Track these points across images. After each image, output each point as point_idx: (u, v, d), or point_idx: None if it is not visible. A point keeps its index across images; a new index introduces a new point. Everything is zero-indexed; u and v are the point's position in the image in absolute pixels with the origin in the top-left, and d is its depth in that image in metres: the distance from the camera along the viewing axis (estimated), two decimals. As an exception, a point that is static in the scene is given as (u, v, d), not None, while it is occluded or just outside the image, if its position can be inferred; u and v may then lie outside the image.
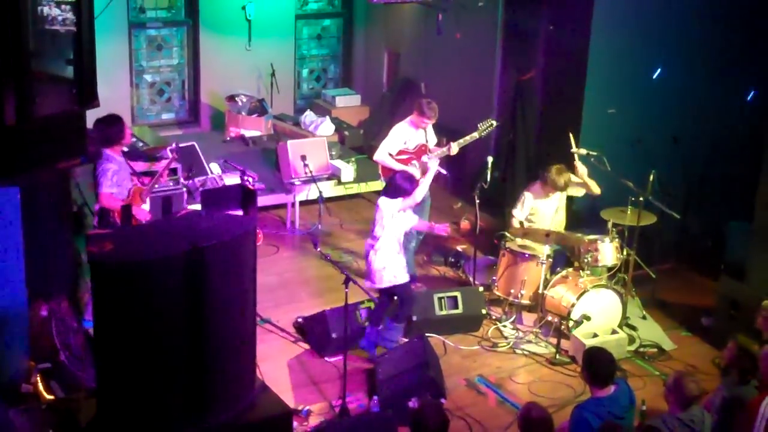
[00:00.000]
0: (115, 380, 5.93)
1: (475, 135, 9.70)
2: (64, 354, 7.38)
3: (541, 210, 9.70)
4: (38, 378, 7.02)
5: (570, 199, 9.95)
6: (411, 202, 8.43)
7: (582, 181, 9.63)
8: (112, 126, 8.43)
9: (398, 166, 9.62)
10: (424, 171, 9.58)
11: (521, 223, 9.76)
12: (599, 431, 6.23)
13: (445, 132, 9.81)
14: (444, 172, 10.09)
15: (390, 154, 9.71)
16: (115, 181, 8.36)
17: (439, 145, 9.86)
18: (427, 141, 9.76)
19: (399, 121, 9.93)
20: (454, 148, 9.68)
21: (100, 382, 6.04)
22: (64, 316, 7.62)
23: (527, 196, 9.76)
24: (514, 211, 9.85)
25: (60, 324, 7.52)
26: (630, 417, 6.72)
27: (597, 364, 6.79)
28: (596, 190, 9.67)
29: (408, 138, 9.72)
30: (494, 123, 9.69)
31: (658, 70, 10.30)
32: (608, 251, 9.24)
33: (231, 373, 6.29)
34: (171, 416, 6.03)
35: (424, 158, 9.69)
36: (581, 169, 9.59)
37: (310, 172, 11.28)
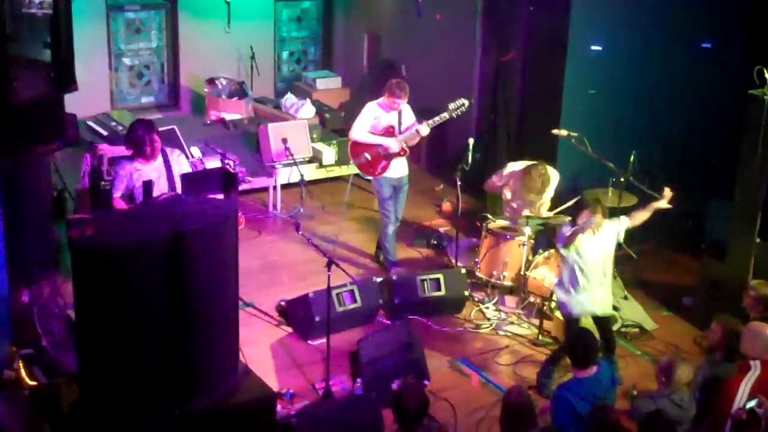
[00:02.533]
0: (97, 365, 5.90)
1: (446, 115, 9.53)
2: (46, 339, 7.35)
3: (524, 209, 9.69)
4: (20, 364, 6.98)
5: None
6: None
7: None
8: (135, 135, 8.41)
9: (376, 141, 9.58)
10: (397, 153, 9.61)
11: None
12: (592, 413, 6.23)
13: (426, 114, 9.77)
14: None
15: (365, 131, 9.66)
16: (124, 186, 8.37)
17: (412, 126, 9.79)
18: (400, 123, 9.67)
19: (369, 102, 9.86)
20: (424, 128, 9.53)
21: (82, 367, 6.01)
22: (45, 302, 7.58)
23: (513, 168, 9.73)
24: (494, 177, 9.86)
25: (42, 309, 7.48)
26: (611, 398, 6.76)
27: (579, 346, 6.84)
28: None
29: (378, 118, 9.67)
30: (466, 103, 9.56)
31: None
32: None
33: (214, 357, 6.26)
34: (154, 400, 6.01)
35: (395, 138, 9.62)
36: None
37: (291, 154, 11.25)
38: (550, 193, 9.63)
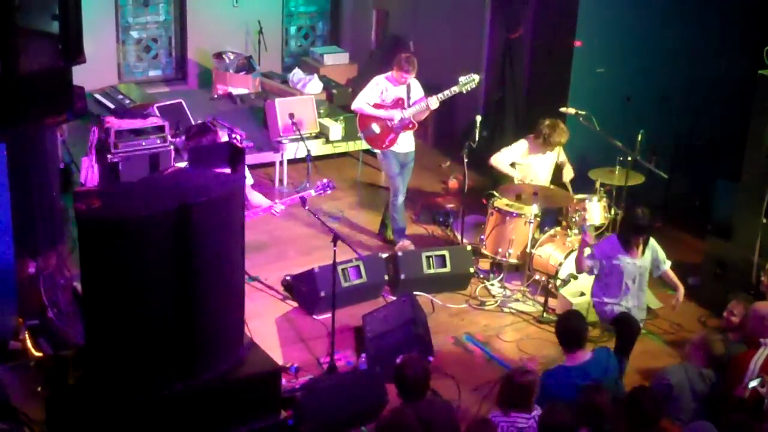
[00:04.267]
0: (103, 337, 5.92)
1: (455, 89, 9.53)
2: (52, 311, 7.36)
3: (533, 166, 9.65)
4: (26, 335, 7.02)
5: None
6: None
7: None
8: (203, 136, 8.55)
9: (376, 113, 9.58)
10: (405, 125, 9.58)
11: (512, 164, 9.72)
12: (583, 391, 6.21)
13: (434, 89, 9.74)
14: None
15: (368, 104, 9.66)
16: None
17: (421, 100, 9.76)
18: (409, 97, 9.66)
19: (377, 75, 9.86)
20: (433, 101, 9.54)
21: (89, 339, 6.02)
22: (52, 273, 7.59)
23: (522, 145, 9.69)
24: (498, 154, 9.77)
25: (48, 281, 7.49)
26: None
27: (563, 330, 6.81)
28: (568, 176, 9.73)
29: (385, 90, 9.66)
30: (476, 78, 9.55)
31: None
32: (596, 210, 9.24)
33: (219, 330, 6.29)
34: (159, 372, 6.04)
35: (400, 110, 9.61)
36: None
37: (298, 130, 11.23)
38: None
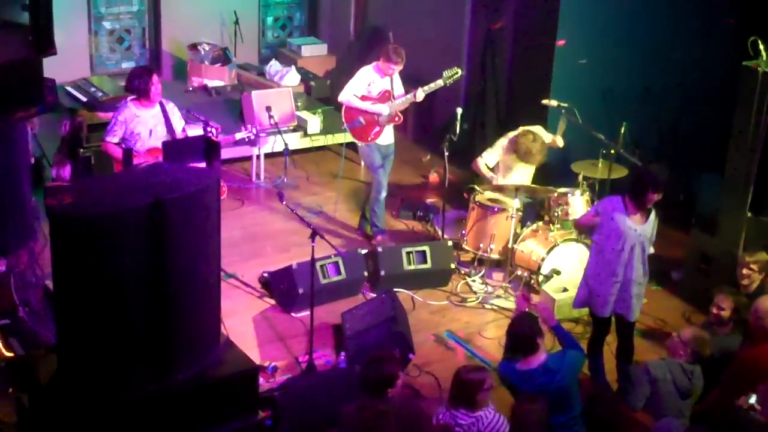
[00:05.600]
0: (75, 336, 5.77)
1: (440, 82, 9.47)
2: (24, 310, 7.24)
3: (513, 170, 9.53)
4: (-3, 335, 6.87)
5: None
6: None
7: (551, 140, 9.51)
8: (138, 78, 8.50)
9: (364, 107, 9.46)
10: (391, 119, 9.47)
11: (489, 168, 9.58)
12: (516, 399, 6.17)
13: (414, 82, 9.63)
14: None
15: (355, 95, 9.53)
16: (122, 132, 8.42)
17: (406, 93, 9.65)
18: (393, 89, 9.56)
19: (365, 66, 9.71)
20: (420, 94, 9.47)
21: (61, 338, 5.88)
22: (23, 271, 7.45)
23: (503, 144, 9.57)
24: (484, 154, 9.65)
25: (19, 279, 7.36)
26: (551, 394, 6.28)
27: (512, 333, 6.55)
28: (560, 143, 9.55)
29: (372, 83, 9.53)
30: (460, 71, 9.49)
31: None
32: (579, 204, 9.15)
33: (195, 329, 6.15)
34: (134, 372, 5.89)
35: (388, 104, 9.50)
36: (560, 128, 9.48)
37: (275, 123, 11.06)
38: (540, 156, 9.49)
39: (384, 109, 9.49)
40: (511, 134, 9.53)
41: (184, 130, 8.75)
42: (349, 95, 9.57)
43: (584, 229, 7.77)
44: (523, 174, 9.53)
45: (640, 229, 7.26)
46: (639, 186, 7.23)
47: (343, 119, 9.72)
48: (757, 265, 7.68)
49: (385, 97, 9.52)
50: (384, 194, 9.77)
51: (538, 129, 9.49)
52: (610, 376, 7.63)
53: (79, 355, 5.79)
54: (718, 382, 6.83)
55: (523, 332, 6.43)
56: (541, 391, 6.20)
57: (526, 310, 7.13)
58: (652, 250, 7.54)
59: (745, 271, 7.73)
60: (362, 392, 6.08)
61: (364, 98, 9.53)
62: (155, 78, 8.44)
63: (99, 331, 5.72)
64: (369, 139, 9.57)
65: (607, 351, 7.75)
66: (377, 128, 9.55)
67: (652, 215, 7.35)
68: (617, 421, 6.12)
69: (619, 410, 6.38)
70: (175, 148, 7.88)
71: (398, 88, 9.61)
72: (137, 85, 8.41)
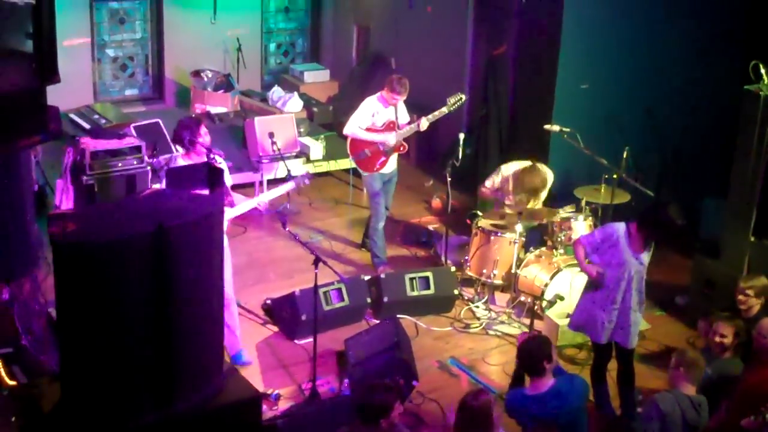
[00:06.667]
0: (78, 365, 5.78)
1: (444, 110, 9.51)
2: (26, 338, 7.19)
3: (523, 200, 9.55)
4: (0, 363, 6.83)
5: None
6: None
7: None
8: (186, 129, 8.09)
9: (370, 138, 9.47)
10: (396, 148, 9.49)
11: (495, 188, 9.61)
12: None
13: (416, 108, 9.66)
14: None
15: (360, 128, 9.55)
16: None
17: (410, 122, 9.68)
18: (397, 118, 9.59)
19: (369, 97, 9.75)
20: (424, 123, 9.51)
21: (64, 367, 5.88)
22: (26, 299, 7.42)
23: (507, 173, 9.59)
24: (487, 182, 9.70)
25: (22, 307, 7.32)
26: (563, 419, 6.31)
27: (523, 355, 6.48)
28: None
29: (377, 113, 9.55)
30: (463, 97, 9.53)
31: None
32: (582, 229, 9.12)
33: (198, 357, 6.13)
34: (137, 401, 5.87)
35: (393, 134, 9.51)
36: None
37: (278, 149, 11.06)
38: (545, 192, 9.54)
39: (389, 138, 9.50)
40: (518, 164, 9.54)
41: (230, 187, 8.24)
42: (354, 128, 9.57)
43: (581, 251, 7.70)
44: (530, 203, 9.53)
45: (641, 258, 7.26)
46: (654, 225, 7.19)
47: (349, 151, 9.73)
48: (753, 290, 7.62)
49: (390, 127, 9.54)
50: (382, 224, 9.77)
51: (543, 167, 9.49)
52: (614, 403, 7.61)
53: (81, 384, 5.79)
54: (717, 407, 6.77)
55: (532, 352, 6.38)
56: (553, 416, 6.18)
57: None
58: None
59: (741, 297, 7.67)
60: (357, 417, 6.06)
61: (369, 129, 9.55)
62: (203, 129, 8.00)
63: (102, 360, 5.71)
64: (375, 169, 9.59)
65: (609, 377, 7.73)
66: (383, 158, 9.56)
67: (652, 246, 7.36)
68: None
69: None
70: (178, 175, 7.88)
71: (403, 116, 9.63)
72: (185, 137, 8.02)
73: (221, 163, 7.99)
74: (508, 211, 9.48)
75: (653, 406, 6.54)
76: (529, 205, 9.41)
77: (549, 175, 9.50)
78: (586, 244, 7.45)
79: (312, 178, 8.88)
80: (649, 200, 9.43)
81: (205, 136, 7.97)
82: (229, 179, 8.18)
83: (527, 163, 9.49)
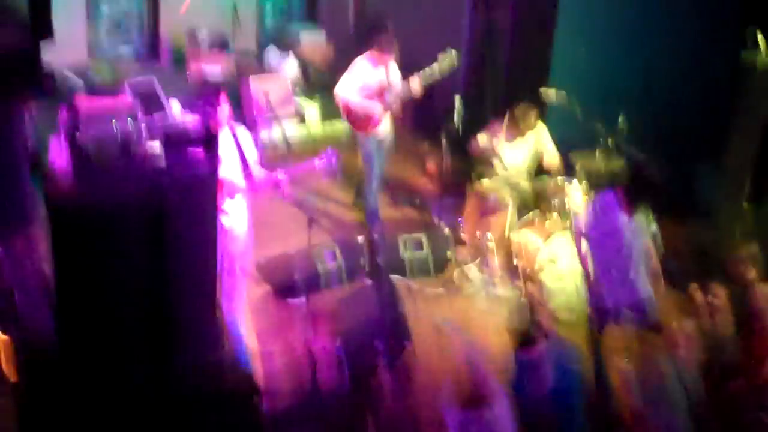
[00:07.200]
0: (74, 325, 5.76)
1: (435, 67, 9.43)
2: (19, 295, 7.19)
3: (507, 152, 9.53)
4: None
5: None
6: None
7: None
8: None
9: (362, 105, 9.43)
10: (388, 109, 9.45)
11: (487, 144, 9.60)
12: None
13: (413, 71, 9.59)
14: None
15: (352, 90, 9.50)
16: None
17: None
18: (389, 78, 9.52)
19: (358, 57, 9.68)
20: (414, 81, 9.43)
21: (59, 326, 5.86)
22: (19, 257, 7.41)
23: (496, 132, 9.60)
24: (479, 136, 9.66)
25: (14, 265, 7.31)
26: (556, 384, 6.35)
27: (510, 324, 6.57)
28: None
29: (368, 74, 9.50)
30: (452, 53, 9.43)
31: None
32: (576, 194, 9.13)
33: (195, 319, 6.12)
34: (133, 360, 5.87)
35: (385, 95, 9.47)
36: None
37: (273, 110, 11.03)
38: (542, 135, 9.52)
39: (377, 108, 9.47)
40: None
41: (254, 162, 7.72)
42: (345, 89, 9.52)
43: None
44: (519, 154, 9.53)
45: (637, 223, 7.26)
46: (636, 184, 7.34)
47: (342, 112, 9.69)
48: (750, 258, 7.62)
49: (382, 87, 9.48)
50: (375, 183, 9.78)
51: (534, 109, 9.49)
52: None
53: (77, 344, 5.79)
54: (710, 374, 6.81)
55: (519, 324, 6.45)
56: (545, 379, 6.23)
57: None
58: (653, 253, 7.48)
59: (738, 265, 7.67)
60: None
61: (361, 91, 9.49)
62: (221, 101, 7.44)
63: (98, 320, 5.71)
64: (369, 129, 9.56)
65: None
66: (375, 118, 9.52)
67: (650, 215, 7.36)
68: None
69: None
70: (173, 135, 7.86)
71: (395, 77, 9.57)
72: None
73: (243, 133, 7.64)
74: (500, 171, 9.47)
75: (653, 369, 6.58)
76: (514, 142, 9.43)
77: (541, 126, 9.50)
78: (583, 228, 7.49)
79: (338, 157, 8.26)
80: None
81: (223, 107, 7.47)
82: (254, 152, 7.72)
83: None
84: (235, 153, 7.51)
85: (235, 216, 7.49)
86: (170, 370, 5.98)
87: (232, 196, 7.48)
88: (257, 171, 7.72)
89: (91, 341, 5.74)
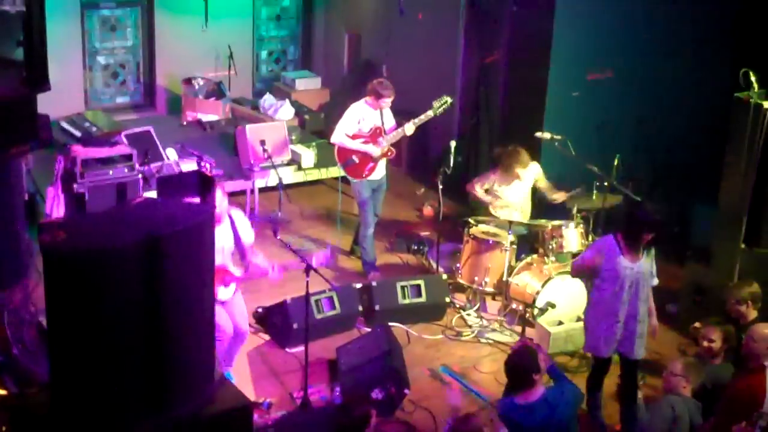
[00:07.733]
0: (69, 373, 5.71)
1: (431, 113, 9.46)
2: (17, 347, 7.15)
3: (505, 194, 9.55)
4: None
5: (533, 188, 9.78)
6: None
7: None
8: None
9: (356, 148, 9.47)
10: (384, 154, 9.48)
11: (486, 190, 9.62)
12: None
13: (407, 116, 9.63)
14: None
15: (347, 135, 9.54)
16: None
17: (396, 127, 9.65)
18: (383, 123, 9.57)
19: (354, 103, 9.73)
20: (409, 127, 9.49)
21: (54, 376, 5.81)
22: (17, 308, 7.38)
23: (491, 177, 9.62)
24: (475, 180, 9.71)
25: (13, 316, 7.28)
26: (553, 429, 6.26)
27: (510, 367, 6.43)
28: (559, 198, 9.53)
29: (363, 119, 9.54)
30: (449, 100, 9.50)
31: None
32: (573, 237, 9.13)
33: (190, 366, 6.08)
34: (128, 409, 5.82)
35: (381, 140, 9.51)
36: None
37: (270, 157, 11.05)
38: (535, 172, 9.54)
39: (375, 149, 9.51)
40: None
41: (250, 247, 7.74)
42: (340, 136, 9.56)
43: (583, 272, 7.71)
44: (517, 193, 9.53)
45: (637, 266, 7.19)
46: (633, 226, 7.19)
47: (337, 159, 9.72)
48: (750, 298, 7.60)
49: (377, 132, 9.53)
50: (371, 230, 9.78)
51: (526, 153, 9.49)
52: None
53: (72, 393, 5.74)
54: (711, 413, 6.78)
55: (520, 366, 6.33)
56: (544, 425, 6.15)
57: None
58: (656, 281, 7.45)
59: (737, 305, 7.65)
60: None
61: (355, 136, 9.53)
62: (219, 193, 7.31)
63: (92, 368, 5.67)
64: (363, 175, 9.59)
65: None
66: (371, 164, 9.56)
67: (651, 251, 7.29)
68: None
69: None
70: (169, 183, 7.86)
71: (389, 122, 9.61)
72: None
73: (241, 218, 7.65)
74: (496, 213, 9.47)
75: (669, 407, 6.53)
76: (511, 184, 9.46)
77: (534, 164, 9.50)
78: (582, 265, 7.50)
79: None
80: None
81: (222, 200, 7.42)
82: (250, 235, 7.68)
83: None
84: (231, 243, 7.53)
85: (229, 304, 7.60)
86: (166, 423, 5.94)
87: (226, 285, 7.51)
88: (253, 255, 7.75)
89: (85, 390, 5.69)
